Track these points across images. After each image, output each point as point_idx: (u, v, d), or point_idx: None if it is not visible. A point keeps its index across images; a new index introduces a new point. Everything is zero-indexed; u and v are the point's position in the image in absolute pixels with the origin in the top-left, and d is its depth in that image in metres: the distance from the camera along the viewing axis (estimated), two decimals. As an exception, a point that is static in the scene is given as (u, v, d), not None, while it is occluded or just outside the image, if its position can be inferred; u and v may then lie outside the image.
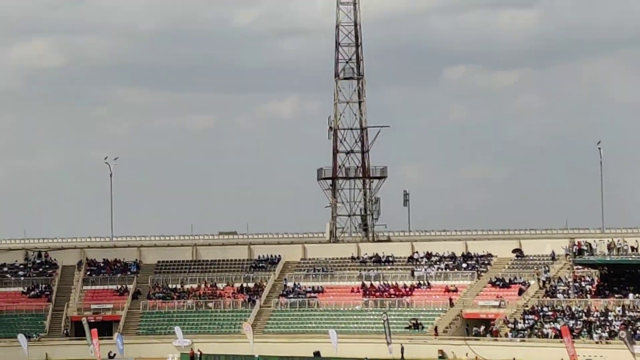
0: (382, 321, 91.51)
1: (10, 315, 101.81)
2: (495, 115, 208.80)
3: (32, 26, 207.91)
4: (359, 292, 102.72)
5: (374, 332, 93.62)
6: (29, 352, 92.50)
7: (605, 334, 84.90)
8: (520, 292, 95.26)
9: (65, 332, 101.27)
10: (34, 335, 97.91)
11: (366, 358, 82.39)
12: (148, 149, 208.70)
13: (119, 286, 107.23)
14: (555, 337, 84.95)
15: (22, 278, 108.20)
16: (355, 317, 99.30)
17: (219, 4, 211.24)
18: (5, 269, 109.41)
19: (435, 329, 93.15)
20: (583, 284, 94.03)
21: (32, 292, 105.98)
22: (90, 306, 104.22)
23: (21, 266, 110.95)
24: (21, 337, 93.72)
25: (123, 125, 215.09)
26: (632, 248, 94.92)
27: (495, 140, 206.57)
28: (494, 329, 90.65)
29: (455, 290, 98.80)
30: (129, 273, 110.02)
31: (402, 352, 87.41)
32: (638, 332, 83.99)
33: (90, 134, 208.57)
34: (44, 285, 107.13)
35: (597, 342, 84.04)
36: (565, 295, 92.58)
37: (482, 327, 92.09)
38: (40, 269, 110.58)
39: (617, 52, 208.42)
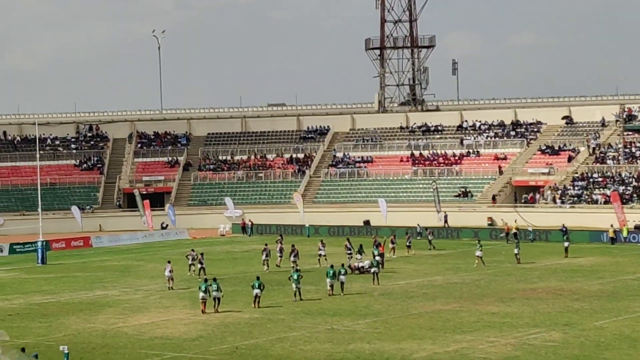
0: (432, 190, 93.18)
1: (64, 187, 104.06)
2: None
3: None
4: (408, 161, 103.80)
5: (423, 201, 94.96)
6: (82, 224, 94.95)
7: None
8: (570, 159, 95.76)
9: (117, 203, 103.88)
10: (87, 207, 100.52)
11: (418, 225, 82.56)
12: (195, 21, 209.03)
13: (170, 158, 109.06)
14: (605, 203, 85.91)
15: (74, 151, 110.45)
16: (404, 186, 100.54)
17: None
18: (57, 142, 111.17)
19: (494, 197, 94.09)
20: (633, 149, 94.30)
21: (84, 165, 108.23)
22: (141, 178, 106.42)
23: (73, 139, 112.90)
24: (75, 209, 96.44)
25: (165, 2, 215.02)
26: None
27: (544, 6, 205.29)
28: (543, 196, 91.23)
29: (505, 158, 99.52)
30: (179, 145, 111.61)
31: (445, 220, 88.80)
32: None
33: (136, 6, 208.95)
34: (95, 158, 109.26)
35: None
36: (615, 162, 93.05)
37: (531, 194, 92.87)
38: (92, 142, 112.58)
39: None
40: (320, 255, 67.11)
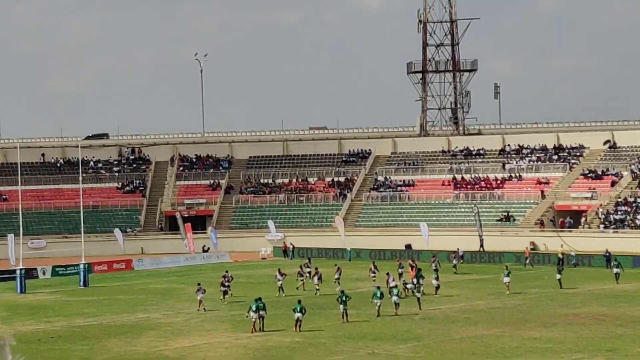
0: (473, 214, 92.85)
1: (106, 210, 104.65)
2: (587, 3, 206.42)
3: None
4: (449, 185, 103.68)
5: (464, 225, 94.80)
6: (124, 247, 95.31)
7: None
8: (613, 183, 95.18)
9: (159, 226, 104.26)
10: (129, 230, 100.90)
11: (458, 249, 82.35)
12: (237, 45, 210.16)
13: (212, 181, 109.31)
14: None
15: (117, 174, 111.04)
16: (446, 210, 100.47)
17: None
18: (100, 165, 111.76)
19: (541, 222, 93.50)
20: None
21: (127, 188, 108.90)
22: (183, 201, 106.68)
23: (115, 162, 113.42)
24: (117, 232, 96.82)
25: (212, 21, 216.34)
26: None
27: (587, 29, 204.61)
28: (586, 221, 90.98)
29: (547, 183, 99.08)
30: (221, 168, 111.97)
31: (481, 244, 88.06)
32: None
33: (180, 30, 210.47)
34: (138, 181, 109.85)
35: None
36: None
37: (574, 219, 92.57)
38: (134, 165, 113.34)
39: None
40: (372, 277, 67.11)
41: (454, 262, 75.74)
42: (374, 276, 67.79)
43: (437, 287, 64.47)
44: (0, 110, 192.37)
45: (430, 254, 77.75)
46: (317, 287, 65.04)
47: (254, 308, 49.89)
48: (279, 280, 64.98)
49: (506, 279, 64.00)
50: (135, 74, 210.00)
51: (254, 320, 49.98)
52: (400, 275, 66.35)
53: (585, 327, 52.49)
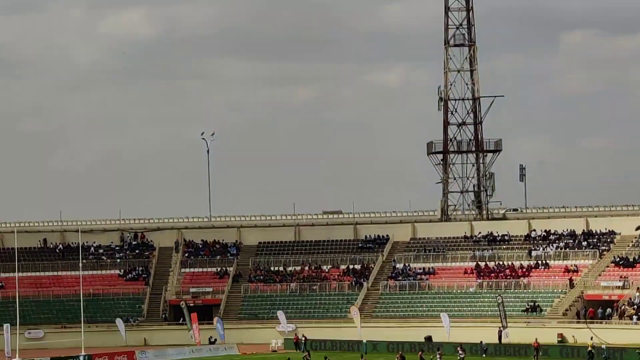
0: (497, 304, 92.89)
1: (107, 298, 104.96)
2: (615, 83, 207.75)
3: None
4: (472, 273, 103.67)
5: (488, 316, 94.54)
6: (127, 337, 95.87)
7: None
8: None
9: (163, 316, 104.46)
10: (131, 319, 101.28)
11: (481, 342, 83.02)
12: (246, 124, 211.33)
13: (219, 268, 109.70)
14: None
15: (119, 260, 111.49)
16: (468, 299, 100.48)
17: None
18: (101, 250, 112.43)
19: (577, 313, 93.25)
20: None
21: (129, 275, 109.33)
22: (189, 289, 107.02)
23: (117, 248, 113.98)
24: (119, 322, 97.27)
25: (220, 99, 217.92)
26: None
27: (615, 109, 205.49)
28: (619, 311, 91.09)
29: (576, 271, 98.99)
30: (228, 255, 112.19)
31: (499, 336, 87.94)
32: None
33: (185, 109, 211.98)
34: (140, 268, 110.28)
35: None
36: None
37: (604, 309, 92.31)
38: (137, 251, 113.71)
39: None
40: None
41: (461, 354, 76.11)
42: None
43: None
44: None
45: (452, 346, 78.82)
46: None
47: None
48: None
49: None
50: (138, 155, 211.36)
51: None
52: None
53: None
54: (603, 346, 79.98)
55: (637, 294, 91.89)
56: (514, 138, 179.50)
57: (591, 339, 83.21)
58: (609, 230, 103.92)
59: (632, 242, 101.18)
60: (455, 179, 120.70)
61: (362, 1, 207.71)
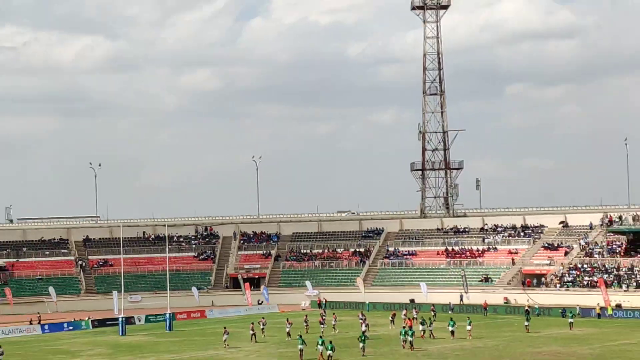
0: (461, 276, 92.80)
1: (185, 273, 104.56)
2: (543, 120, 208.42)
3: (197, 60, 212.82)
4: (442, 254, 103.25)
5: (454, 285, 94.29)
6: (199, 300, 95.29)
7: (633, 285, 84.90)
8: (566, 253, 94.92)
9: (225, 285, 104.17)
10: (203, 288, 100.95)
11: (449, 303, 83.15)
12: (284, 149, 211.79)
13: (264, 251, 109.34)
14: (593, 287, 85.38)
15: (194, 246, 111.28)
16: (440, 273, 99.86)
17: (336, 40, 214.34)
18: (181, 239, 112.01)
19: (523, 282, 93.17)
20: (614, 246, 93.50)
21: (201, 256, 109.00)
22: (243, 266, 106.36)
23: (192, 237, 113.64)
24: (194, 289, 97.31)
25: (265, 132, 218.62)
26: None
27: (544, 139, 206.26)
28: (546, 281, 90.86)
29: (516, 253, 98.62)
30: (271, 242, 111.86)
31: (460, 299, 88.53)
32: None
33: (241, 139, 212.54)
34: (209, 251, 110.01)
35: (625, 291, 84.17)
36: (600, 256, 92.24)
37: (537, 280, 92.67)
38: (207, 239, 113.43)
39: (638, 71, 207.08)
40: (364, 323, 66.44)
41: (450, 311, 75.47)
42: (363, 319, 67.85)
43: (431, 332, 64.13)
44: (108, 197, 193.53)
45: (428, 306, 77.94)
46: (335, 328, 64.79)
47: (320, 342, 51.45)
48: (287, 327, 65.31)
49: (468, 327, 63.75)
50: (207, 172, 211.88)
51: (320, 351, 51.01)
52: (406, 321, 65.98)
53: (546, 362, 52.43)
54: (536, 306, 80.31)
55: (560, 268, 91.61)
56: (472, 159, 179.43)
57: (527, 301, 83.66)
58: (540, 224, 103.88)
59: (555, 232, 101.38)
60: (430, 188, 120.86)
61: (364, 64, 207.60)
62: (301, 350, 53.12)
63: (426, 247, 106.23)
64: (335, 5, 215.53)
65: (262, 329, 67.03)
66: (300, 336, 55.82)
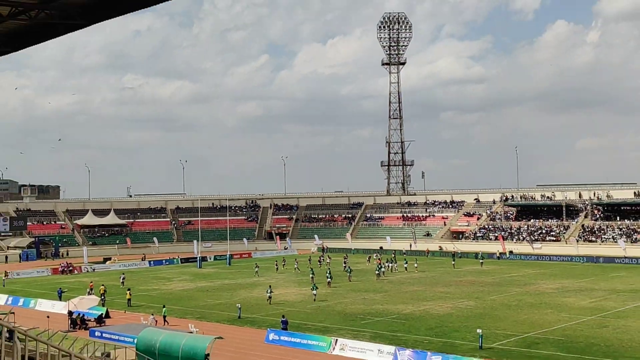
0: (412, 232, 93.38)
1: (240, 229, 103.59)
2: (464, 135, 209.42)
3: (247, 96, 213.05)
4: (400, 219, 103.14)
5: (407, 238, 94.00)
6: (248, 246, 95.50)
7: (519, 239, 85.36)
8: (478, 219, 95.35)
9: (264, 237, 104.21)
10: (250, 238, 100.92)
11: (403, 249, 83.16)
12: (301, 152, 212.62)
13: (289, 216, 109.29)
14: (495, 240, 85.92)
15: (244, 212, 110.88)
16: (398, 231, 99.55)
17: (334, 84, 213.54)
18: (236, 208, 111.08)
19: (458, 237, 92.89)
20: (508, 214, 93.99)
21: (249, 219, 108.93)
22: (275, 225, 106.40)
23: (243, 207, 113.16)
24: (245, 240, 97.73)
25: (289, 141, 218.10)
26: (533, 197, 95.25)
27: (464, 147, 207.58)
28: (465, 236, 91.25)
29: (447, 218, 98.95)
30: (293, 210, 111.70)
31: (411, 246, 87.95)
32: (535, 237, 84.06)
33: (274, 146, 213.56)
34: (254, 216, 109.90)
35: (514, 242, 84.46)
36: (499, 220, 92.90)
37: (460, 235, 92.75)
38: (252, 208, 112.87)
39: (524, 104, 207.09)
40: (345, 261, 67.51)
41: (404, 255, 75.94)
42: (345, 259, 69.67)
43: (393, 267, 65.06)
44: (191, 181, 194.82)
45: (391, 252, 78.59)
46: (328, 267, 65.45)
47: (328, 274, 54.06)
48: (295, 264, 66.20)
49: (415, 265, 64.92)
50: (252, 166, 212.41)
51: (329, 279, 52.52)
52: (377, 261, 66.75)
53: (465, 286, 53.38)
54: (459, 251, 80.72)
55: (474, 228, 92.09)
56: (419, 159, 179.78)
57: (453, 248, 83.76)
58: (462, 200, 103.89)
59: (471, 205, 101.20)
60: (392, 177, 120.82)
61: (351, 99, 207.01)
62: (312, 277, 54.33)
63: (390, 214, 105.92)
64: (334, 63, 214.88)
65: (283, 264, 68.87)
66: (312, 269, 57.00)
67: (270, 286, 47.26)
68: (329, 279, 53.54)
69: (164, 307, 39.57)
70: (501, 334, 34.07)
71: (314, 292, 46.94)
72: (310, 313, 41.21)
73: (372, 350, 30.20)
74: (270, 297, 45.22)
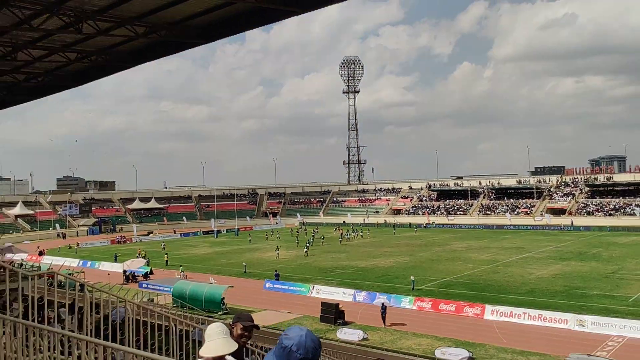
0: (365, 211, 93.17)
1: (243, 210, 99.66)
2: (400, 143, 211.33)
3: (248, 115, 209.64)
4: (357, 201, 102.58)
5: (362, 214, 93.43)
6: (250, 222, 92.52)
7: (438, 214, 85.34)
8: (411, 200, 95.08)
9: (261, 215, 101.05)
10: (250, 217, 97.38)
11: (359, 223, 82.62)
12: (287, 156, 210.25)
13: (278, 200, 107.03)
14: (422, 214, 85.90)
15: (247, 198, 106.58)
16: (356, 209, 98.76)
17: (311, 107, 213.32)
18: (241, 195, 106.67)
19: (396, 213, 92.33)
20: (431, 197, 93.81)
21: (250, 203, 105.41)
22: (269, 207, 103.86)
23: (246, 194, 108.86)
24: (248, 218, 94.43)
25: (279, 148, 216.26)
26: (448, 185, 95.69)
27: (400, 151, 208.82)
28: (402, 212, 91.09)
29: (390, 200, 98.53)
30: (281, 196, 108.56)
31: (364, 220, 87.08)
32: (450, 212, 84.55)
33: (267, 152, 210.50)
34: (254, 200, 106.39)
35: (435, 216, 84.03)
36: (425, 201, 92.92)
37: (399, 210, 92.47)
38: (252, 195, 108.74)
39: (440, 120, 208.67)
40: (314, 232, 67.11)
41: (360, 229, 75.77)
42: (316, 231, 69.20)
43: (352, 235, 64.89)
44: (213, 177, 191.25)
45: (352, 226, 78.39)
46: (310, 238, 64.93)
47: (307, 243, 52.71)
48: (278, 235, 66.11)
49: (367, 233, 65.32)
50: (252, 166, 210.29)
51: (307, 247, 50.81)
52: (340, 231, 66.68)
53: (402, 247, 53.59)
54: (398, 223, 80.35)
55: (409, 206, 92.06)
56: (370, 159, 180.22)
57: (394, 220, 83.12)
58: (399, 187, 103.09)
59: (407, 191, 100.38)
60: (351, 172, 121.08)
61: (323, 118, 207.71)
62: (297, 243, 53.96)
63: (350, 198, 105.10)
64: (309, 92, 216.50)
65: (272, 234, 68.31)
66: (297, 236, 56.51)
67: (278, 247, 48.66)
68: (308, 244, 53.41)
69: (180, 266, 40.12)
70: (427, 279, 34.64)
71: (306, 249, 49.09)
72: (295, 268, 41.24)
73: (339, 292, 30.54)
74: (278, 254, 46.13)
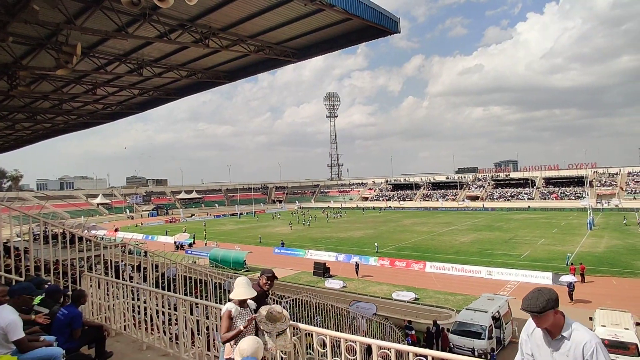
0: (343, 198, 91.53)
1: (258, 198, 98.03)
2: (365, 153, 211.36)
3: (260, 132, 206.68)
4: (337, 192, 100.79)
5: (341, 201, 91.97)
6: (263, 207, 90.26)
7: (394, 201, 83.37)
8: (375, 191, 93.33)
9: (271, 202, 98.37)
10: (263, 203, 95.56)
11: (338, 208, 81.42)
12: (287, 161, 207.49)
13: (283, 192, 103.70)
14: (383, 201, 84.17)
15: (260, 190, 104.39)
16: (337, 198, 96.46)
17: (304, 127, 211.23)
18: (256, 188, 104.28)
19: (364, 199, 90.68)
20: (389, 188, 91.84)
21: (263, 194, 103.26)
22: (276, 196, 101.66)
23: (259, 188, 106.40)
24: (261, 204, 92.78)
25: (281, 155, 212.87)
26: (399, 180, 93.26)
27: (368, 159, 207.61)
28: (369, 199, 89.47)
29: (359, 191, 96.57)
30: (285, 189, 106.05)
31: (341, 206, 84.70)
32: (402, 199, 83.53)
33: (274, 158, 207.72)
34: (265, 192, 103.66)
35: (391, 201, 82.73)
36: (384, 191, 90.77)
37: (367, 198, 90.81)
38: (264, 188, 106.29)
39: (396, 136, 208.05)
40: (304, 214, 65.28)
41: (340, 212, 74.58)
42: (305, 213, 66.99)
43: (335, 216, 63.82)
44: (233, 176, 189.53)
45: (334, 209, 77.37)
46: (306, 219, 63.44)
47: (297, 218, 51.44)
48: (279, 215, 64.24)
49: (344, 214, 63.07)
50: (264, 167, 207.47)
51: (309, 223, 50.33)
52: (325, 213, 65.75)
53: (370, 223, 53.11)
54: (373, 207, 79.21)
55: (374, 195, 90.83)
56: (346, 162, 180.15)
57: (364, 206, 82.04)
58: (366, 182, 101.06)
59: (372, 185, 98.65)
60: (333, 172, 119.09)
61: (312, 134, 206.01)
62: (292, 222, 52.64)
63: (332, 190, 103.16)
64: (303, 116, 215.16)
65: (278, 216, 66.07)
66: (298, 217, 55.26)
67: (290, 222, 47.99)
68: (308, 224, 52.75)
69: (204, 234, 40.20)
70: (386, 245, 34.78)
71: (307, 224, 48.94)
72: (295, 238, 41.07)
73: (326, 255, 30.77)
74: (291, 226, 45.73)
